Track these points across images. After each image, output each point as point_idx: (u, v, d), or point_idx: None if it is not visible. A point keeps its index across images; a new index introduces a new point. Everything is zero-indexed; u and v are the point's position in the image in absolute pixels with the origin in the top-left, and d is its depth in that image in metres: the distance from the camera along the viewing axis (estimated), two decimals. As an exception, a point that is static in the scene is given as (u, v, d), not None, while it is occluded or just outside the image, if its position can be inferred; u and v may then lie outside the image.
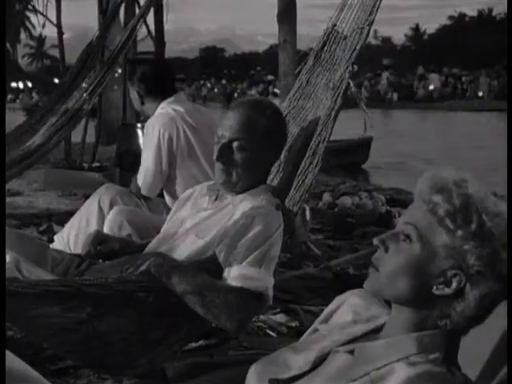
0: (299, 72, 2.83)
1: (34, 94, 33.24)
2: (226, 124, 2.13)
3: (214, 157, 2.13)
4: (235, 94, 36.34)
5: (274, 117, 2.20)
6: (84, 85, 4.12)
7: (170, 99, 3.21)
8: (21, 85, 40.47)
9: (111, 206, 3.09)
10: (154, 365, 2.18)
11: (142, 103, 3.28)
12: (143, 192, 3.14)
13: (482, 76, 32.96)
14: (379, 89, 32.63)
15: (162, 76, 3.27)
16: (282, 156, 2.50)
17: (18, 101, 35.49)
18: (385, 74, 33.34)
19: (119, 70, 7.83)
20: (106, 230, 2.81)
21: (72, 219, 3.15)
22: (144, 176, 3.13)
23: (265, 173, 2.27)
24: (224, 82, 42.80)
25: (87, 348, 1.98)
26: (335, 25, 2.73)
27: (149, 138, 3.11)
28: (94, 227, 3.03)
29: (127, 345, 2.01)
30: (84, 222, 3.07)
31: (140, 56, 3.52)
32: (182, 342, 2.17)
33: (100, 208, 3.08)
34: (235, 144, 2.11)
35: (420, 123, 23.59)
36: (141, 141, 3.72)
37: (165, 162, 3.09)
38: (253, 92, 32.29)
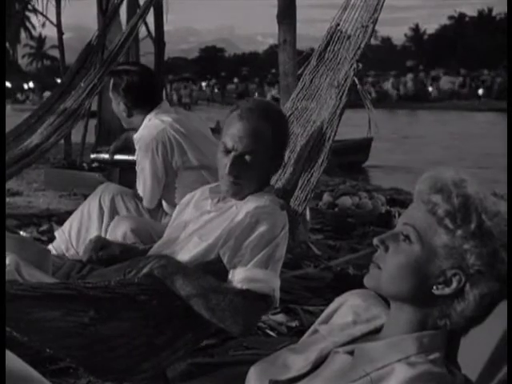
0: (302, 72, 2.82)
1: (48, 93, 33.07)
2: (236, 135, 2.08)
3: (226, 170, 2.08)
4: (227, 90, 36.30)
5: (280, 122, 2.18)
6: (82, 84, 4.11)
7: (156, 110, 3.16)
8: (31, 84, 40.33)
9: (112, 204, 3.09)
10: (158, 370, 2.14)
11: (130, 115, 3.21)
12: (145, 204, 3.14)
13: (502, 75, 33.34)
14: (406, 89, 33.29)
15: (149, 86, 3.20)
16: (287, 157, 2.49)
17: (28, 101, 35.26)
18: (409, 76, 33.83)
19: None
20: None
21: (73, 215, 3.15)
22: (143, 189, 3.12)
23: (269, 176, 2.26)
24: (236, 81, 42.78)
25: (90, 353, 1.93)
26: (338, 24, 2.71)
27: (142, 152, 3.08)
28: (95, 224, 3.04)
29: (131, 349, 1.97)
30: (86, 218, 3.07)
31: (123, 66, 3.39)
32: (187, 347, 2.12)
33: (100, 206, 3.08)
34: (247, 157, 2.08)
35: (425, 124, 23.61)
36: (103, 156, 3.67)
37: (161, 173, 3.09)
38: (273, 92, 32.38)
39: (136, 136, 3.16)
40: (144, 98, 3.17)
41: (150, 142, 3.06)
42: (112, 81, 3.24)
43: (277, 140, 2.13)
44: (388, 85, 34.68)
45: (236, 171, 2.08)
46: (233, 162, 2.07)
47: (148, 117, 3.17)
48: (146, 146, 3.07)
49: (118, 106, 3.23)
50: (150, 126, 3.12)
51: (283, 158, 2.26)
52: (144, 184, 3.12)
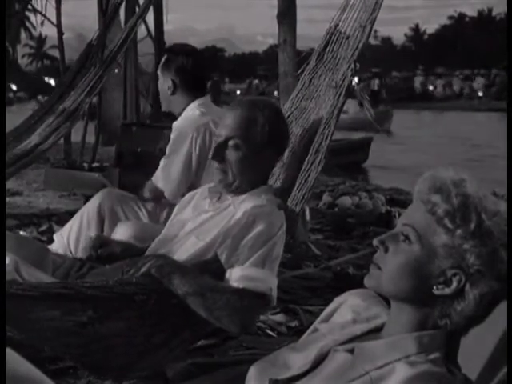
0: (301, 72, 2.82)
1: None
2: (224, 123, 2.13)
3: (210, 155, 2.12)
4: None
5: (273, 116, 2.17)
6: (81, 84, 4.10)
7: (200, 101, 3.09)
8: (52, 82, 39.75)
9: (112, 216, 3.04)
10: (155, 368, 2.16)
11: (173, 93, 3.12)
12: (168, 196, 3.02)
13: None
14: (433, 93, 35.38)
15: (199, 72, 3.14)
16: (285, 157, 2.49)
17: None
18: (440, 82, 36.24)
19: (116, 70, 7.78)
20: None
21: (71, 221, 3.10)
22: (170, 181, 3.01)
23: (265, 174, 2.25)
24: (256, 81, 42.74)
25: (88, 351, 1.95)
26: (337, 25, 2.72)
27: (178, 142, 3.00)
28: (93, 232, 3.00)
29: (128, 348, 1.98)
30: (85, 226, 3.03)
31: (181, 46, 3.31)
32: (184, 345, 2.14)
33: (99, 214, 3.04)
34: (231, 142, 2.10)
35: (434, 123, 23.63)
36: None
37: (194, 167, 3.00)
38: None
39: (176, 123, 3.08)
40: (192, 83, 3.10)
41: (190, 134, 2.98)
42: (165, 57, 3.17)
43: (267, 132, 2.12)
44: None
45: (219, 156, 2.11)
46: (216, 146, 2.11)
47: (191, 106, 3.09)
48: (185, 135, 2.99)
49: (164, 83, 3.14)
50: (193, 117, 3.05)
51: (278, 153, 2.25)
52: (172, 175, 3.00)
